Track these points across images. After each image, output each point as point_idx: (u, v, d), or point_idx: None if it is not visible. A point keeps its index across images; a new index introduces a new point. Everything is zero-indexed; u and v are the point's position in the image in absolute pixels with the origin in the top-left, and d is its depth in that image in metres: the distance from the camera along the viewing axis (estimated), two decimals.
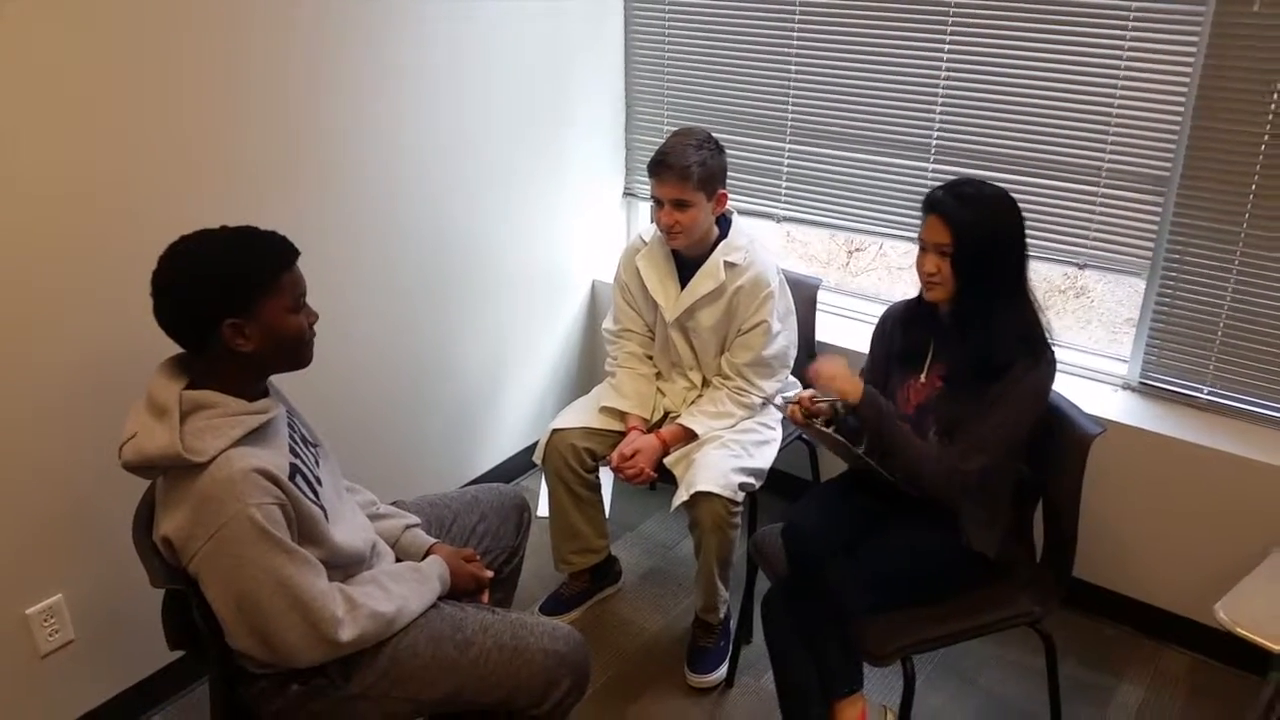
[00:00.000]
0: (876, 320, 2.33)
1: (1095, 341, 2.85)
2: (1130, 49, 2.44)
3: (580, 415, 2.67)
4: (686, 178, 2.39)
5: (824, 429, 2.13)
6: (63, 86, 1.94)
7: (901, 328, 2.22)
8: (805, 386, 2.37)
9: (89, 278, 2.06)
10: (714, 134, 2.51)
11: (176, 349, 1.69)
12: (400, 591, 1.79)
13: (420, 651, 1.77)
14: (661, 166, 2.41)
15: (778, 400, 2.55)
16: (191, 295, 1.61)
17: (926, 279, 2.05)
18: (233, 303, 1.61)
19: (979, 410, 2.01)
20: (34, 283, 1.98)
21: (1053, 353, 2.03)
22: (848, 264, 4.52)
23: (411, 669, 1.76)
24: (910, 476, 2.06)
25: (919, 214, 2.06)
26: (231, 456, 1.57)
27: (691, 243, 2.52)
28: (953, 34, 2.68)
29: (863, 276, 4.45)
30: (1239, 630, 1.74)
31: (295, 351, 1.72)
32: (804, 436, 2.80)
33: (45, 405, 2.06)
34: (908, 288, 2.15)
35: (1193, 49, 2.35)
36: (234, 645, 1.63)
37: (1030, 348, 2.00)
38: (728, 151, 2.53)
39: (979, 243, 1.97)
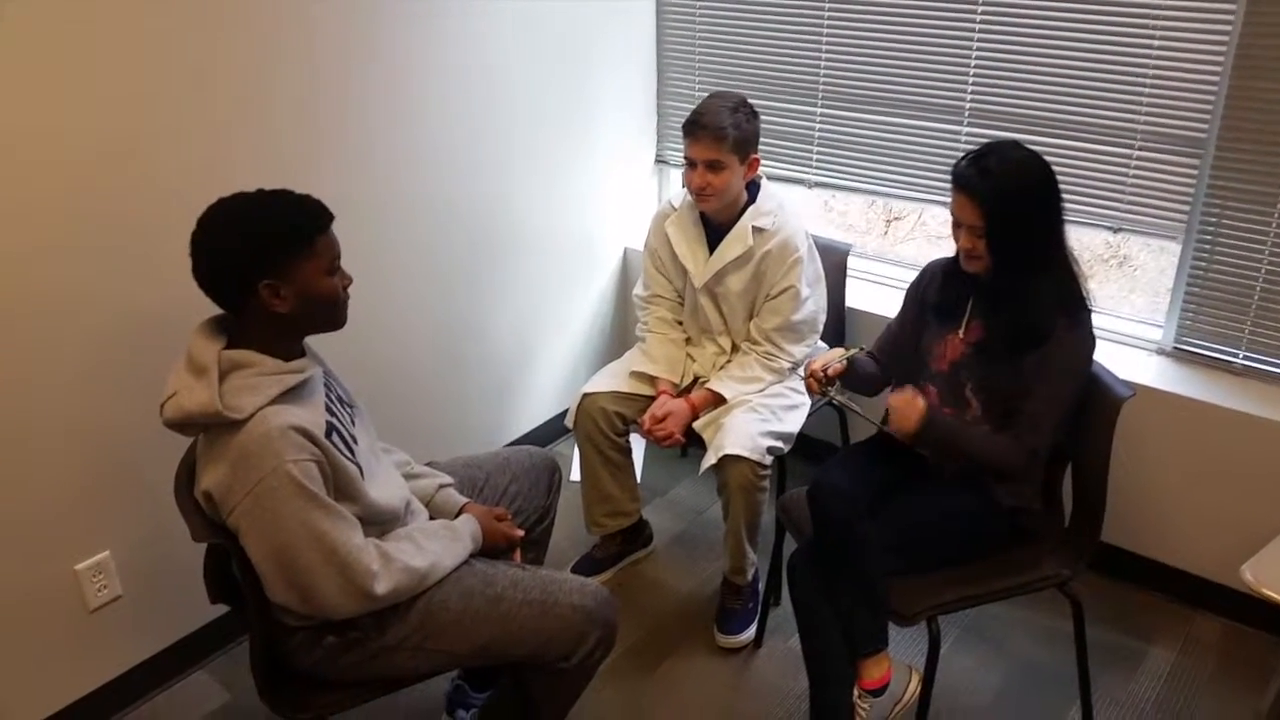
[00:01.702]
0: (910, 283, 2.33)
1: (1139, 312, 2.83)
2: (1166, 8, 2.40)
3: (611, 380, 2.70)
4: (721, 139, 2.40)
5: (842, 398, 2.14)
6: (97, 51, 1.98)
7: (941, 282, 2.20)
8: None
9: (129, 240, 2.11)
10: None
11: (216, 310, 1.73)
12: (433, 548, 1.83)
13: (452, 605, 1.82)
14: (696, 126, 2.42)
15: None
16: (229, 257, 1.65)
17: (964, 253, 2.04)
18: (269, 264, 1.65)
19: (1017, 376, 2.01)
20: (75, 244, 2.03)
21: (1090, 315, 2.02)
22: (886, 233, 4.48)
23: (444, 622, 1.81)
24: (982, 469, 2.06)
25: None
26: (269, 414, 1.61)
27: (721, 206, 2.53)
28: None
29: (901, 245, 4.41)
30: (1265, 591, 1.72)
31: (330, 313, 1.75)
32: (834, 403, 2.81)
33: (90, 366, 2.12)
34: (946, 254, 2.14)
35: (1232, 6, 2.31)
36: (272, 598, 1.68)
37: (1069, 314, 1.98)
38: (760, 116, 2.53)
39: (1010, 219, 1.95)
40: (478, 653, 1.84)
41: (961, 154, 2.02)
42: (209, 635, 2.50)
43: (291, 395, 1.68)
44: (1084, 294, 2.02)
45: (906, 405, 2.01)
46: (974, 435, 2.08)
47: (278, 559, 1.64)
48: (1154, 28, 2.43)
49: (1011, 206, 1.94)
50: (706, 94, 2.54)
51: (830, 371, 2.14)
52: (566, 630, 1.85)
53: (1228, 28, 2.33)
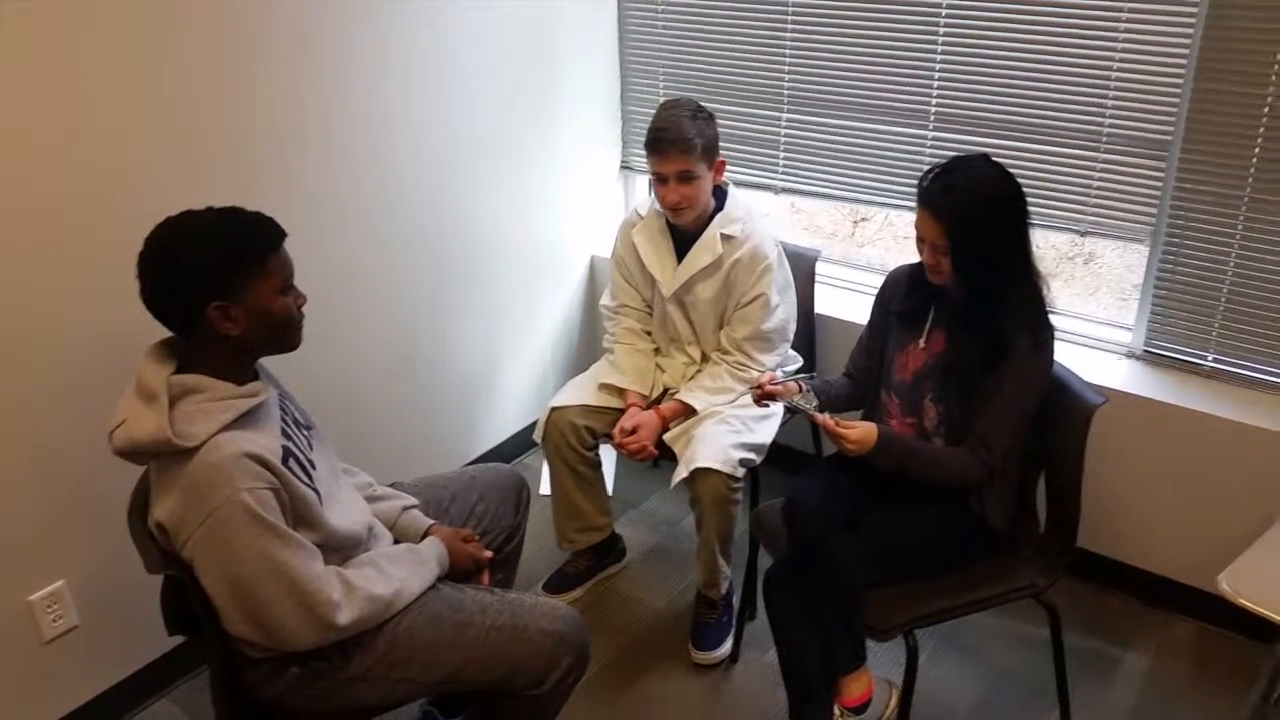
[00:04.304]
0: (877, 290, 2.30)
1: (1105, 309, 2.82)
2: (1130, 10, 2.39)
3: (579, 393, 2.65)
4: (689, 149, 2.36)
5: (802, 406, 2.11)
6: (50, 66, 1.92)
7: (905, 291, 2.18)
8: (801, 373, 2.36)
9: (84, 260, 2.05)
10: (710, 104, 2.48)
11: (168, 332, 1.67)
12: (398, 574, 1.78)
13: (419, 633, 1.77)
14: (663, 142, 2.38)
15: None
16: (177, 278, 1.60)
17: (928, 268, 2.02)
18: (219, 285, 1.60)
19: (978, 389, 1.99)
20: (23, 264, 1.97)
21: (1053, 333, 2.00)
22: (853, 234, 4.47)
23: (410, 650, 1.76)
24: (938, 484, 2.04)
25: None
26: (221, 441, 1.56)
27: (695, 216, 2.49)
28: None
29: (868, 247, 4.40)
30: (1242, 601, 1.72)
31: (284, 334, 1.71)
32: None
33: (44, 391, 2.05)
34: (914, 257, 2.12)
35: (1194, 9, 2.30)
36: (232, 631, 1.63)
37: (1031, 329, 1.96)
38: (725, 122, 2.50)
39: (973, 239, 1.92)
40: (446, 681, 1.79)
41: (927, 165, 1.99)
42: (172, 662, 2.44)
43: (245, 420, 1.62)
44: (1048, 313, 2.00)
45: (862, 438, 1.99)
46: (929, 453, 2.06)
47: (235, 591, 1.59)
48: (1117, 31, 2.42)
49: (975, 227, 1.92)
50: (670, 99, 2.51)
51: (772, 389, 2.12)
52: (537, 656, 1.81)
53: (1190, 30, 2.33)
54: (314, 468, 1.74)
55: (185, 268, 1.59)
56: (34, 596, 2.15)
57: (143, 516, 1.70)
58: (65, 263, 2.03)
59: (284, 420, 1.74)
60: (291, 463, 1.66)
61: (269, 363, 1.81)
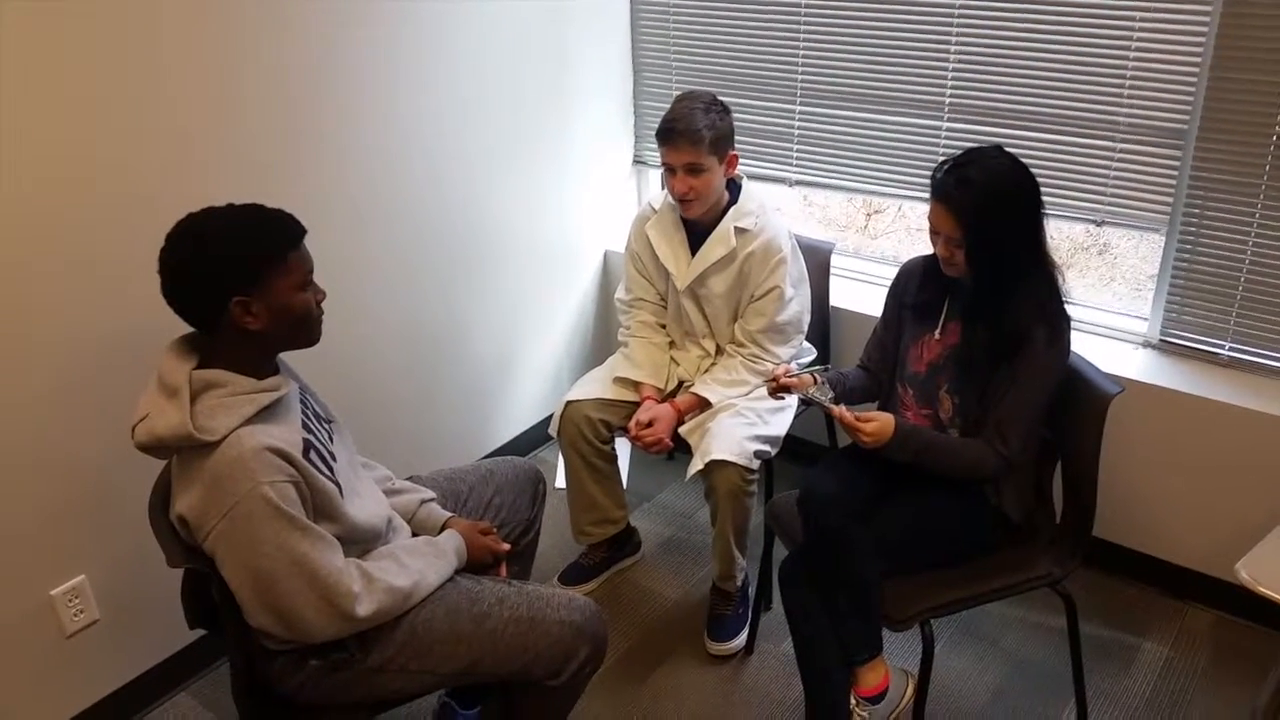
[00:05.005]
0: (891, 282, 2.30)
1: (1119, 299, 2.81)
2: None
3: (594, 386, 2.66)
4: (699, 141, 2.36)
5: (818, 398, 2.10)
6: (61, 68, 1.93)
7: (918, 282, 2.18)
8: (816, 365, 2.35)
9: (98, 254, 2.06)
10: (723, 97, 2.48)
11: (188, 327, 1.69)
12: (417, 566, 1.79)
13: (437, 625, 1.78)
14: (672, 133, 2.38)
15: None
16: (199, 273, 1.61)
17: (942, 260, 2.01)
18: (241, 280, 1.61)
19: (993, 380, 1.98)
20: (41, 260, 1.98)
21: (1069, 323, 1.99)
22: (866, 226, 4.46)
23: (429, 642, 1.77)
24: (955, 476, 2.04)
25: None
26: (243, 435, 1.57)
27: (705, 209, 2.50)
28: None
29: (882, 239, 4.40)
30: (1261, 589, 1.71)
31: (304, 329, 1.71)
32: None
33: (61, 385, 2.07)
34: (927, 248, 2.11)
35: None
36: (252, 623, 1.64)
37: (1047, 319, 1.96)
38: (738, 115, 2.49)
39: (988, 232, 1.92)
40: (464, 672, 1.80)
41: (942, 156, 1.99)
42: (191, 656, 2.46)
43: (266, 414, 1.63)
44: (1063, 303, 1.99)
45: (878, 431, 1.98)
46: (946, 445, 2.05)
47: (256, 584, 1.60)
48: (1134, 20, 2.41)
49: (990, 220, 1.91)
50: (683, 93, 2.50)
51: (788, 382, 2.11)
52: (554, 647, 1.82)
53: (1206, 18, 2.32)
54: (334, 460, 1.75)
55: (207, 263, 1.60)
56: (55, 591, 2.16)
57: (164, 510, 1.71)
58: (78, 260, 2.04)
59: (304, 414, 1.75)
60: (312, 455, 1.67)
61: (289, 357, 1.82)
